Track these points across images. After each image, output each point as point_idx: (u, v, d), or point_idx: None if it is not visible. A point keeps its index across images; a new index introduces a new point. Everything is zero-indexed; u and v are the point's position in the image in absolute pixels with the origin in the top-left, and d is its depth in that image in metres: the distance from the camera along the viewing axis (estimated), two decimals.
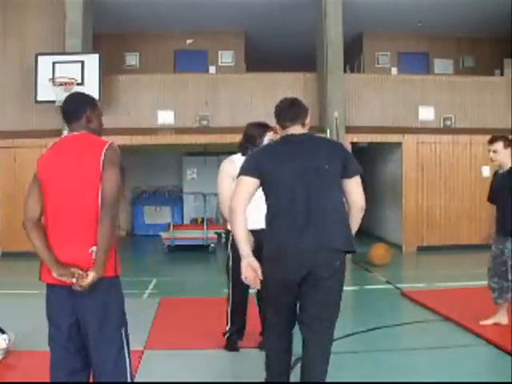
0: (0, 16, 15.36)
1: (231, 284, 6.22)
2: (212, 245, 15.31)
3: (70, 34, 14.64)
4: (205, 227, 15.56)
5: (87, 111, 4.04)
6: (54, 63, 14.15)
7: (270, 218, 4.38)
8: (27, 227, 3.84)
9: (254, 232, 5.69)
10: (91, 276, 3.66)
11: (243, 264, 4.24)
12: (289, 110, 4.78)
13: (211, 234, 15.46)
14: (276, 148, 4.61)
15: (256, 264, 4.23)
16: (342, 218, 4.31)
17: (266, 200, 4.43)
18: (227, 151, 18.66)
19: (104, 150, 3.83)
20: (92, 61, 14.26)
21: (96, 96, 14.06)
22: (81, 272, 3.67)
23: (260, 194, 5.43)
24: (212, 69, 18.34)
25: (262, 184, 4.37)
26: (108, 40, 17.44)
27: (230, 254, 6.22)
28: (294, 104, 4.90)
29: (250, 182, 4.34)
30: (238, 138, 14.79)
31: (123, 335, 3.98)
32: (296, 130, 4.63)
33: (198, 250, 15.15)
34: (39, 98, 14.35)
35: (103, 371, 3.84)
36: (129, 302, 8.20)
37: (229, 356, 6.00)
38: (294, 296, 4.30)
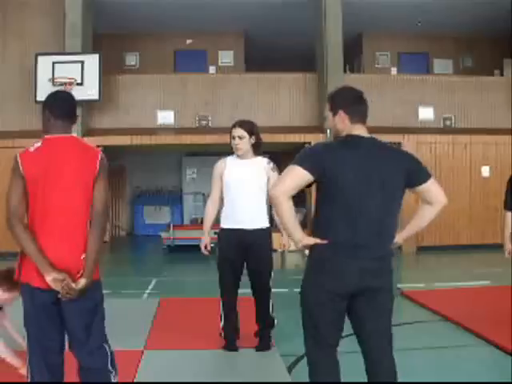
0: (0, 16, 15.38)
1: (219, 282, 6.32)
2: (212, 245, 15.28)
3: (70, 34, 14.67)
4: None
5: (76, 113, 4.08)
6: (53, 63, 14.19)
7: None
8: (15, 224, 3.72)
9: (239, 231, 5.93)
10: (83, 282, 3.70)
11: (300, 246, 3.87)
12: (361, 104, 4.04)
13: (211, 234, 15.41)
14: (342, 149, 3.89)
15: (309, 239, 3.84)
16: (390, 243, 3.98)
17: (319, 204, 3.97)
18: (227, 151, 18.82)
19: (99, 159, 3.85)
20: (92, 61, 14.30)
21: (96, 96, 14.12)
22: (70, 282, 3.67)
23: (244, 193, 5.83)
24: (212, 69, 18.37)
25: (319, 184, 3.84)
26: (108, 40, 17.45)
27: (218, 253, 6.38)
28: (363, 99, 4.07)
29: (303, 175, 3.77)
30: None
31: (106, 336, 4.00)
32: (362, 130, 4.00)
33: (197, 250, 15.10)
34: (39, 98, 14.34)
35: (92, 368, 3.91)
36: (128, 302, 8.23)
37: (228, 356, 5.99)
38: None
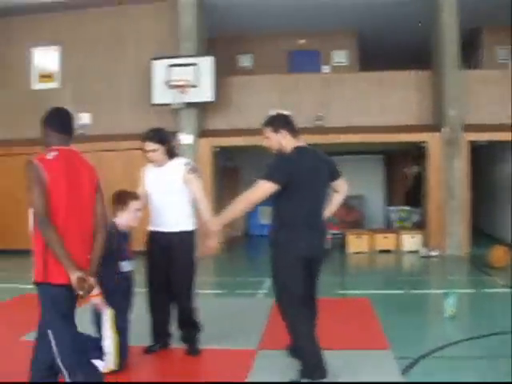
0: (117, 22, 15.88)
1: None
2: (327, 245, 15.19)
3: (185, 38, 14.96)
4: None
5: None
6: (169, 66, 14.48)
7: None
8: (47, 225, 4.05)
9: (161, 234, 6.02)
10: (92, 280, 4.28)
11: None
12: (292, 121, 5.74)
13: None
14: (302, 157, 5.46)
15: None
16: None
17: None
18: (341, 151, 18.71)
19: (95, 173, 4.47)
20: (206, 63, 14.51)
21: (210, 98, 14.34)
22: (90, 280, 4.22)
23: (160, 198, 6.03)
24: (325, 68, 18.25)
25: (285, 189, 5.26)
26: (221, 42, 17.63)
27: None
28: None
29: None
30: (353, 137, 14.81)
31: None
32: (302, 141, 5.55)
33: None
34: (155, 101, 14.71)
35: None
36: (243, 301, 8.28)
37: (342, 356, 5.91)
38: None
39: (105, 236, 4.46)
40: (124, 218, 5.64)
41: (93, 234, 4.36)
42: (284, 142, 5.60)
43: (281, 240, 5.32)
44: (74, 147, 4.45)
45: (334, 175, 5.72)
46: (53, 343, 4.14)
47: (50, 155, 4.21)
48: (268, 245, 5.42)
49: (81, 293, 4.11)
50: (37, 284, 4.16)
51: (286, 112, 5.78)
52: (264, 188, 5.33)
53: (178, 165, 6.16)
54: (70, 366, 4.15)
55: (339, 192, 5.88)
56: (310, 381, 5.09)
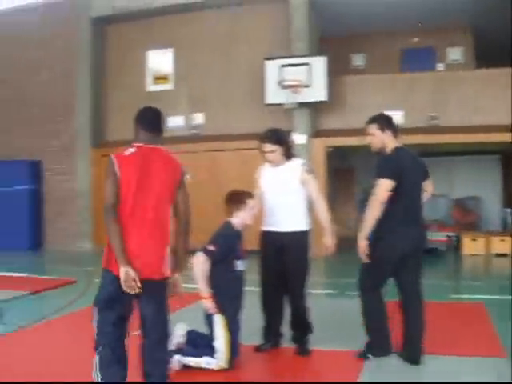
0: (230, 23, 16.10)
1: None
2: (441, 248, 14.93)
3: (297, 38, 15.02)
4: (434, 229, 15.21)
5: None
6: (281, 67, 14.55)
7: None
8: (110, 216, 4.26)
9: (275, 234, 6.08)
10: (177, 278, 4.58)
11: None
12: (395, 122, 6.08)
13: (441, 237, 15.08)
14: (404, 157, 6.01)
15: None
16: None
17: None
18: (457, 151, 18.22)
19: (181, 171, 4.54)
20: (319, 63, 14.49)
21: (323, 97, 14.32)
22: (138, 281, 4.23)
23: (276, 198, 6.05)
24: (440, 66, 17.87)
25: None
26: (334, 41, 17.56)
27: None
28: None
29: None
30: (469, 137, 14.40)
31: None
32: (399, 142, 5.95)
33: (427, 253, 14.80)
34: (268, 101, 14.81)
35: None
36: (353, 302, 8.22)
37: (458, 362, 5.78)
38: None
39: (188, 231, 4.56)
40: (240, 217, 5.68)
41: (176, 230, 4.49)
42: (387, 141, 6.08)
43: (384, 235, 5.71)
44: (163, 146, 4.60)
45: (426, 175, 6.18)
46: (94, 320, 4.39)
47: (128, 151, 4.41)
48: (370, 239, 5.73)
49: (125, 288, 4.18)
50: (102, 268, 4.38)
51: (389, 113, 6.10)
52: (385, 185, 5.69)
53: (296, 165, 6.17)
54: (97, 342, 4.37)
55: (427, 191, 6.28)
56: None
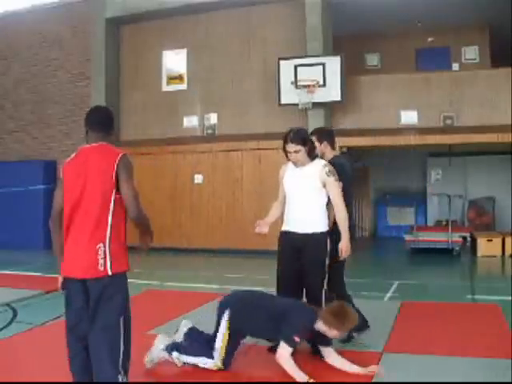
0: (244, 23, 16.10)
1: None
2: (457, 248, 14.87)
3: (311, 38, 14.99)
4: (449, 230, 15.16)
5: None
6: (295, 66, 14.55)
7: None
8: (53, 222, 4.50)
9: (294, 234, 6.16)
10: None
11: None
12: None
13: (456, 237, 15.02)
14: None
15: None
16: None
17: None
18: (473, 151, 18.15)
19: (117, 161, 4.29)
20: (333, 63, 14.47)
21: (338, 97, 14.29)
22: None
23: (297, 198, 6.12)
24: (455, 66, 17.80)
25: None
26: (348, 41, 17.55)
27: None
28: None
29: None
30: (485, 137, 14.34)
31: None
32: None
33: (441, 254, 14.78)
34: (283, 101, 14.80)
35: None
36: (369, 303, 8.20)
37: (472, 363, 5.75)
38: None
39: (139, 227, 4.40)
40: (325, 329, 5.46)
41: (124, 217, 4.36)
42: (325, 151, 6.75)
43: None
44: (109, 144, 4.47)
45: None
46: None
47: (70, 156, 4.46)
48: None
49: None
50: None
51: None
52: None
53: (318, 166, 6.14)
54: None
55: None
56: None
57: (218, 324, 5.55)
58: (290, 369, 5.18)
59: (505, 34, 17.75)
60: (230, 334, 5.47)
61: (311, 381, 5.02)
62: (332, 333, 5.34)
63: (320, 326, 5.34)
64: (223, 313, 5.52)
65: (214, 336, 5.54)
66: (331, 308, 5.37)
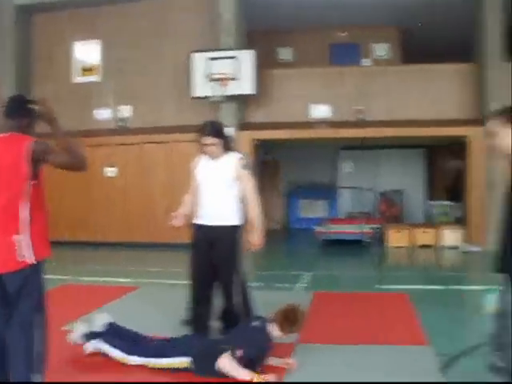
0: (158, 15, 15.97)
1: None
2: (367, 240, 15.17)
3: (225, 32, 14.99)
4: (360, 221, 15.46)
5: None
6: (209, 59, 14.53)
7: None
8: None
9: (207, 227, 6.13)
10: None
11: None
12: None
13: (366, 229, 15.33)
14: None
15: None
16: None
17: None
18: (384, 145, 18.55)
19: (25, 147, 4.17)
20: (246, 56, 14.53)
21: (251, 91, 14.37)
22: None
23: (210, 191, 6.12)
24: (366, 62, 18.12)
25: None
26: (261, 35, 17.57)
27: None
28: None
29: None
30: (394, 131, 14.72)
31: None
32: None
33: (352, 245, 15.05)
34: (195, 94, 14.77)
35: None
36: (281, 294, 8.29)
37: (379, 352, 5.89)
38: None
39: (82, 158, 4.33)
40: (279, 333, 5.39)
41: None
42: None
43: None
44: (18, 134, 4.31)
45: None
46: None
47: None
48: None
49: None
50: None
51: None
52: None
53: (233, 159, 6.15)
54: None
55: None
56: None
57: (174, 351, 5.39)
58: (232, 369, 5.04)
59: (415, 33, 18.22)
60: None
61: (255, 380, 4.98)
62: (278, 334, 5.31)
63: (275, 332, 5.30)
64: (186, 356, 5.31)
65: (164, 348, 5.47)
66: (283, 312, 5.32)
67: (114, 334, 5.65)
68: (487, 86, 14.22)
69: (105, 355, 5.51)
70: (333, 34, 18.50)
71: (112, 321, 5.85)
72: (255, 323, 5.42)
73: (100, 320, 5.79)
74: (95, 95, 16.18)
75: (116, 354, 5.46)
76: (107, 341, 5.54)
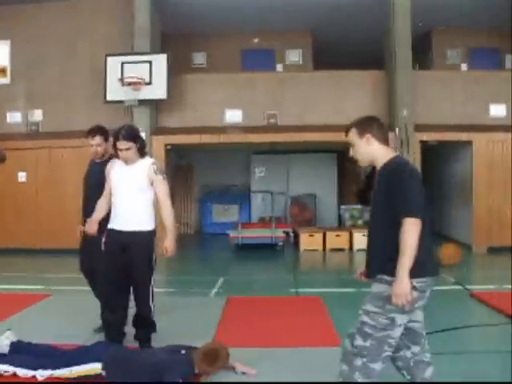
0: (72, 16, 15.71)
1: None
2: (280, 243, 15.32)
3: (139, 35, 14.90)
4: (272, 226, 15.61)
5: None
6: (122, 63, 14.43)
7: None
8: None
9: (120, 232, 6.07)
10: None
11: None
12: None
13: (279, 233, 15.48)
14: None
15: None
16: None
17: None
18: (296, 150, 18.78)
19: None
20: (160, 61, 14.48)
21: (164, 95, 14.33)
22: None
23: (123, 196, 6.04)
24: (279, 67, 18.34)
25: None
26: (175, 40, 17.59)
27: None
28: None
29: None
30: (306, 136, 14.95)
31: None
32: None
33: (265, 249, 15.17)
34: (108, 98, 14.62)
35: None
36: (195, 300, 8.32)
37: (301, 353, 5.99)
38: None
39: None
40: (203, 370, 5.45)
41: None
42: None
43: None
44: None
45: None
46: None
47: None
48: None
49: None
50: None
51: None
52: None
53: (146, 164, 6.13)
54: None
55: None
56: None
57: (86, 359, 5.34)
58: None
59: (327, 39, 18.58)
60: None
61: None
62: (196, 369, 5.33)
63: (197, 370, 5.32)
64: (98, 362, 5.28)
65: (74, 357, 5.40)
66: (204, 351, 5.35)
67: (20, 352, 5.54)
68: (396, 93, 14.59)
69: (14, 375, 5.37)
70: (246, 40, 18.61)
71: (15, 339, 5.70)
72: (183, 352, 5.46)
73: (3, 340, 5.65)
74: (5, 98, 15.79)
75: (22, 372, 5.33)
76: (9, 361, 5.39)
